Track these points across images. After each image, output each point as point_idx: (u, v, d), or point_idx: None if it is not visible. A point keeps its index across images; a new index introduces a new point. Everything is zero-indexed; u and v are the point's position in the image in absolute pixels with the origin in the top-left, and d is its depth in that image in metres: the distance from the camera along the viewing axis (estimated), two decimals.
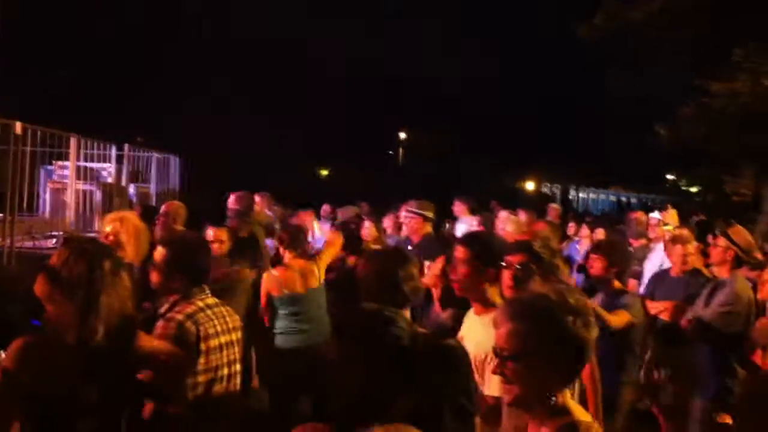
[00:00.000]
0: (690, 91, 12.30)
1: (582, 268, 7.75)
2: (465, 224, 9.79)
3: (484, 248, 3.86)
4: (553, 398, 2.16)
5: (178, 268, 3.75)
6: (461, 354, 3.17)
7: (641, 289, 7.62)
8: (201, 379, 3.65)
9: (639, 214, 10.18)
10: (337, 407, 2.31)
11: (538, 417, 2.20)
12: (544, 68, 39.41)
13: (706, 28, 11.45)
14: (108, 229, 4.87)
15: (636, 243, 9.16)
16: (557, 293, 2.22)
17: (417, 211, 7.10)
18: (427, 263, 5.10)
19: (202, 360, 3.64)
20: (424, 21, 40.40)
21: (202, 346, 3.64)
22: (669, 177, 38.36)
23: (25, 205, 10.15)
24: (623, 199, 42.76)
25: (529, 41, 40.17)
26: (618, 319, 5.11)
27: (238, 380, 3.92)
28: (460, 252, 3.86)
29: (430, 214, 7.14)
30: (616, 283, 5.49)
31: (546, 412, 2.17)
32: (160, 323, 3.59)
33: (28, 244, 9.41)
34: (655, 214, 9.00)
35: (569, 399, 2.21)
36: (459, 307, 4.25)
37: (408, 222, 7.17)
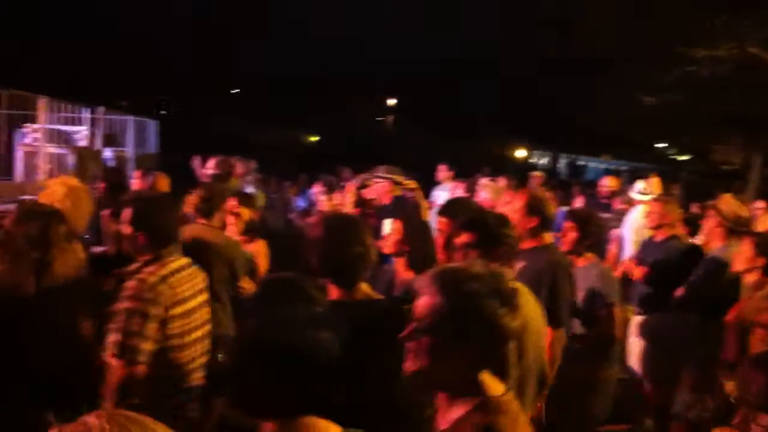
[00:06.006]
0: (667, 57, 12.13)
1: None
2: (446, 190, 9.72)
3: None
4: (468, 378, 2.05)
5: (141, 226, 3.65)
6: None
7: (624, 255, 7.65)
8: (175, 342, 3.58)
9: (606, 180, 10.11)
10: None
11: (447, 395, 2.11)
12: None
13: None
14: (50, 197, 4.69)
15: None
16: (492, 275, 2.09)
17: (385, 175, 7.02)
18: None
19: (176, 324, 3.56)
20: None
21: (177, 310, 3.57)
22: (658, 145, 38.15)
23: None
24: (612, 167, 42.63)
25: None
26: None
27: (207, 342, 3.85)
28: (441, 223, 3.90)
29: (399, 179, 7.06)
30: (588, 255, 5.33)
31: (456, 391, 2.08)
32: (130, 283, 3.49)
33: None
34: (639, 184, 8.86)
35: (483, 376, 2.09)
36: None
37: (377, 186, 7.10)
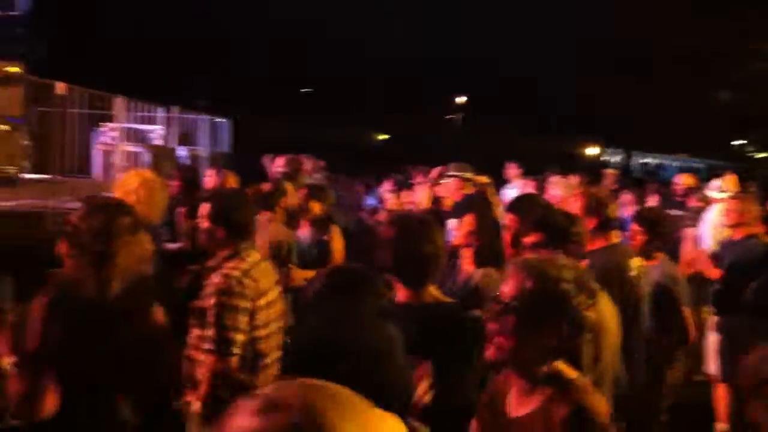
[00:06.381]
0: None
1: None
2: (516, 188, 9.64)
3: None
4: (547, 363, 2.16)
5: (219, 221, 3.75)
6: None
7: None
8: (261, 333, 3.66)
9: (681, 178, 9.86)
10: None
11: (527, 381, 2.20)
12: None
13: None
14: (124, 187, 4.80)
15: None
16: (577, 271, 2.23)
17: (455, 173, 6.97)
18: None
19: (261, 315, 3.64)
20: None
21: (261, 302, 3.65)
22: (735, 143, 37.06)
23: (75, 166, 10.23)
24: (687, 165, 41.61)
25: None
26: None
27: (282, 335, 3.91)
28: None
29: (469, 175, 7.00)
30: (657, 255, 5.21)
31: (537, 377, 2.17)
32: (215, 278, 3.59)
33: (72, 205, 9.44)
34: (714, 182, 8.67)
35: (560, 364, 2.20)
36: (493, 266, 4.13)
37: (447, 184, 7.05)
